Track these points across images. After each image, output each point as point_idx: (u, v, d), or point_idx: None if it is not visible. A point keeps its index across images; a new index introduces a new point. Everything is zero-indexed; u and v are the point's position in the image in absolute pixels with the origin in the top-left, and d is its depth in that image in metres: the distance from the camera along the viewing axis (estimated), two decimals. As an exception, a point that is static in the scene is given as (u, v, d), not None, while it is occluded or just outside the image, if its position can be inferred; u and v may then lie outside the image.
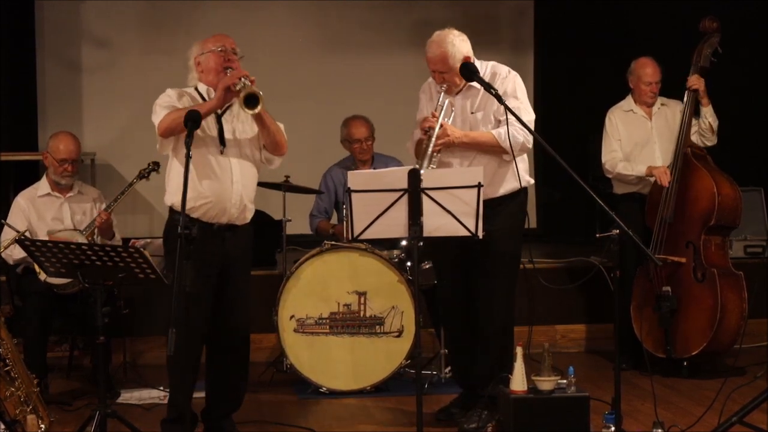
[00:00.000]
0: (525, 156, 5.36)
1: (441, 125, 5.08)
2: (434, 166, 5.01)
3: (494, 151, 5.21)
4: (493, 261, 5.32)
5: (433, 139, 5.04)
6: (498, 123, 5.22)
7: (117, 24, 8.89)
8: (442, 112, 5.12)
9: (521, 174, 5.27)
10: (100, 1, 8.85)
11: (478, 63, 5.26)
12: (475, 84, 5.17)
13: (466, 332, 5.50)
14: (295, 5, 9.14)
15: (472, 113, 5.27)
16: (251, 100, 4.76)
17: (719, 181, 6.42)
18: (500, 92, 5.09)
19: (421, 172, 4.72)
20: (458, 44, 5.19)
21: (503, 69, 5.31)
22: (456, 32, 5.24)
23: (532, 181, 5.44)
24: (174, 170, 5.04)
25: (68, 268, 4.58)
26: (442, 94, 5.19)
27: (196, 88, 5.11)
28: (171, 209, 5.07)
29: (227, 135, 5.01)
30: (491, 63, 5.34)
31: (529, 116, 5.22)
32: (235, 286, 5.11)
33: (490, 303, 5.36)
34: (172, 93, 5.04)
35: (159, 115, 4.93)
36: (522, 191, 5.36)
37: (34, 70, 8.76)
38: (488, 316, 5.37)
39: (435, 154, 5.05)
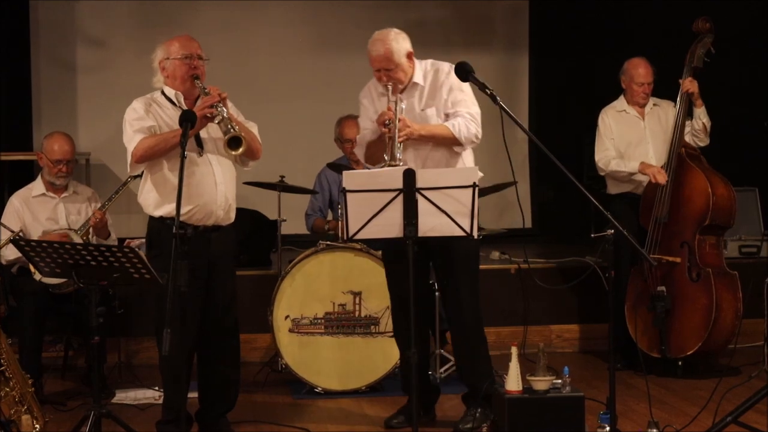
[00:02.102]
0: (471, 151, 5.41)
1: (400, 119, 5.10)
2: (401, 157, 5.03)
3: (446, 143, 5.26)
4: (457, 260, 5.31)
5: (396, 132, 5.06)
6: (447, 117, 5.28)
7: (112, 24, 8.88)
8: (396, 107, 5.15)
9: (470, 166, 5.31)
10: (94, 1, 8.84)
11: (417, 62, 5.34)
12: (418, 80, 5.29)
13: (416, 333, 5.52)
14: (289, 5, 9.12)
15: (422, 110, 5.31)
16: (235, 142, 4.79)
17: (714, 182, 6.42)
18: (446, 87, 5.23)
19: (397, 164, 4.88)
20: (401, 41, 5.26)
21: (445, 65, 5.35)
22: (396, 30, 5.32)
23: (482, 175, 5.35)
24: (151, 183, 5.01)
25: (63, 268, 4.57)
26: (390, 90, 5.21)
27: (163, 92, 5.08)
28: (152, 218, 5.04)
29: (203, 136, 5.00)
30: (430, 61, 5.39)
31: (476, 108, 5.29)
32: (222, 285, 5.12)
33: (459, 302, 5.35)
34: (139, 108, 4.99)
35: (133, 140, 4.91)
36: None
37: (29, 70, 8.74)
38: (460, 315, 5.36)
39: (399, 145, 5.07)
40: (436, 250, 5.25)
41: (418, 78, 5.30)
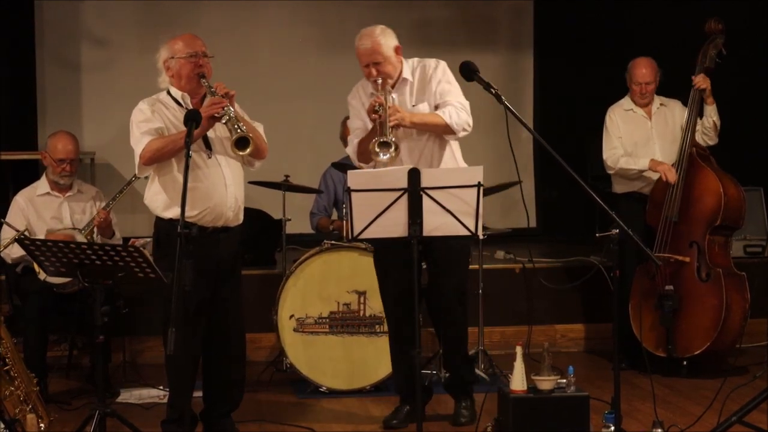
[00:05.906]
0: (458, 144, 5.43)
1: (390, 106, 5.11)
2: (393, 138, 5.03)
3: (438, 131, 5.28)
4: (454, 254, 5.36)
5: (387, 117, 5.06)
6: (436, 108, 5.30)
7: (116, 24, 8.89)
8: (386, 96, 5.15)
9: (459, 160, 5.36)
10: (99, 0, 8.86)
11: (404, 60, 5.37)
12: (407, 76, 5.33)
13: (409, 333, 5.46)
14: (293, 5, 9.13)
15: (413, 105, 5.33)
16: (242, 143, 4.77)
17: (725, 182, 6.42)
18: (434, 80, 5.29)
19: (388, 140, 4.95)
20: (388, 35, 5.30)
21: (431, 61, 5.41)
22: (382, 26, 5.35)
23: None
24: (159, 185, 4.99)
25: (68, 267, 4.57)
26: (380, 83, 5.21)
27: (169, 92, 5.06)
28: (160, 219, 5.02)
29: (210, 137, 4.98)
30: (415, 59, 5.43)
31: (463, 99, 5.32)
32: (229, 285, 5.11)
33: (455, 296, 5.40)
34: (146, 109, 4.97)
35: (140, 142, 4.88)
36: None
37: (34, 70, 8.76)
38: (456, 308, 5.41)
39: (391, 129, 5.06)
40: (436, 246, 5.24)
41: (406, 74, 5.34)
